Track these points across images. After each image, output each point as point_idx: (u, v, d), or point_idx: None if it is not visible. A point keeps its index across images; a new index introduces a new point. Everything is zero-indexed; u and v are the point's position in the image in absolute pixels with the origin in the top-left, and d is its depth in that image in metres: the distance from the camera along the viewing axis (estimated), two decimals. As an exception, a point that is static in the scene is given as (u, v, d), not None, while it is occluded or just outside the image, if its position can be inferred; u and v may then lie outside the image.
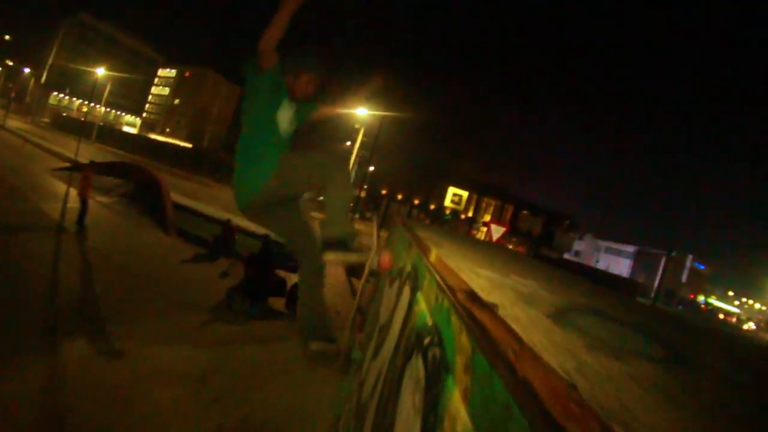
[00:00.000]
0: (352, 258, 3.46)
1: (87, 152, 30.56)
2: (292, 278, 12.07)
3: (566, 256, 77.17)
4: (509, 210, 75.94)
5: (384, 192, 77.06)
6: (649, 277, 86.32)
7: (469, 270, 1.60)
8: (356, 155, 41.23)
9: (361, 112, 35.62)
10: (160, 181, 20.25)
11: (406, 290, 1.83)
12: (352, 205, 3.85)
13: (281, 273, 12.55)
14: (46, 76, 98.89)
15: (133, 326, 8.47)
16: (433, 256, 1.56)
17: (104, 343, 7.42)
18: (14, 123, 37.42)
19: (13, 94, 79.63)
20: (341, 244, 3.45)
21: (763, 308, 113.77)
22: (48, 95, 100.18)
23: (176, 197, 21.46)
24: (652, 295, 61.29)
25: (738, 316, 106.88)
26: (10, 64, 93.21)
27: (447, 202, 75.36)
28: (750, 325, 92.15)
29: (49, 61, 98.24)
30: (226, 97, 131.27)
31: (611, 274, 78.18)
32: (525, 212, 75.37)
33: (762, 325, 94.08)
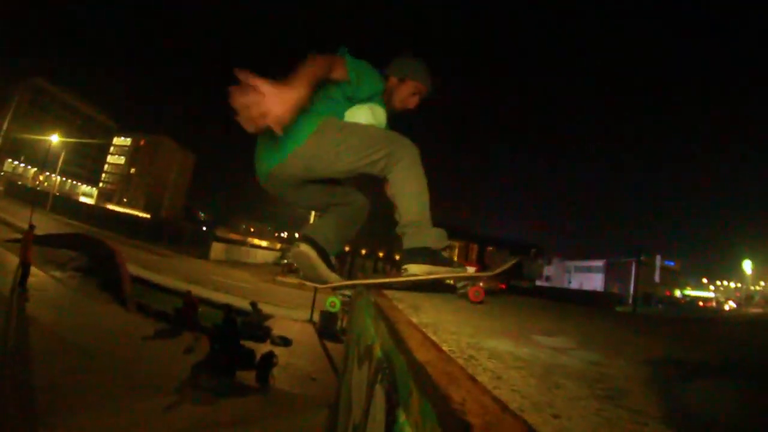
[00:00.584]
0: (441, 272, 2.71)
1: (42, 223, 29.59)
2: (261, 348, 11.70)
3: (538, 283, 78.21)
4: (474, 249, 76.27)
5: (347, 249, 76.94)
6: (624, 285, 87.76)
7: (474, 347, 1.25)
8: (314, 216, 41.36)
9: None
10: (116, 253, 19.60)
11: (379, 392, 1.33)
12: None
13: (248, 344, 12.13)
14: (0, 142, 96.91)
15: (90, 417, 7.92)
16: (414, 341, 1.17)
17: None
18: None
19: None
20: (428, 253, 2.71)
21: (739, 285, 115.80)
22: (2, 163, 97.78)
23: (135, 269, 20.92)
24: (630, 301, 62.41)
25: (716, 299, 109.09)
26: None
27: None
28: (730, 305, 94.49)
29: (3, 128, 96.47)
30: (182, 164, 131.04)
31: (586, 291, 79.57)
32: (490, 248, 76.02)
33: (742, 301, 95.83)
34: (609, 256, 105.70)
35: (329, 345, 15.67)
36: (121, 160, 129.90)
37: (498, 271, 2.83)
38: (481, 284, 2.61)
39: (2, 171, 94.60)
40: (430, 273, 2.69)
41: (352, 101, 2.82)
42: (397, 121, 3.14)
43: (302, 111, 2.46)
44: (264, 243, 61.67)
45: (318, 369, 12.92)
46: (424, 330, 1.38)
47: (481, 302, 2.50)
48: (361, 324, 2.38)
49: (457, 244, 77.95)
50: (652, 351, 1.66)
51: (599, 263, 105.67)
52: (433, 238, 2.76)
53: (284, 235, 74.31)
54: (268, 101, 2.05)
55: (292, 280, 36.01)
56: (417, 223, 2.76)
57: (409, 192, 2.76)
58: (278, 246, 63.44)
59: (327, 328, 18.14)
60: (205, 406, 9.07)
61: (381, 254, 77.11)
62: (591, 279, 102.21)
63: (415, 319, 1.59)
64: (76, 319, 13.83)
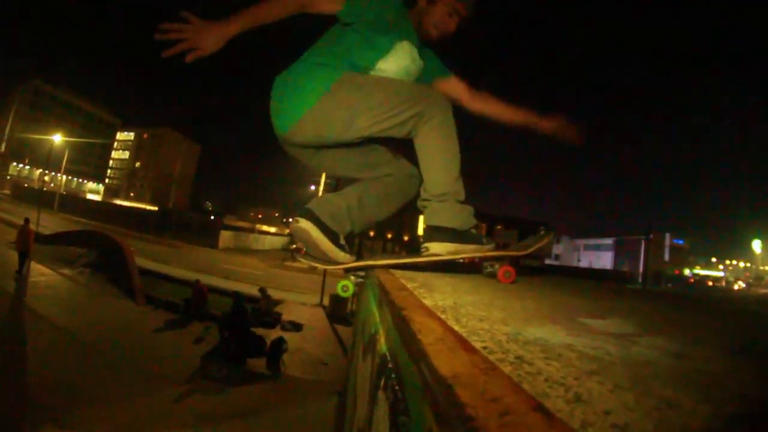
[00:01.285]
0: (468, 251, 2.35)
1: (49, 223, 29.68)
2: (272, 334, 11.46)
3: (547, 261, 78.13)
4: (483, 228, 76.15)
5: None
6: (633, 263, 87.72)
7: (516, 339, 0.92)
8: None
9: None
10: (123, 247, 19.35)
11: (383, 404, 1.03)
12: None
13: (259, 331, 11.91)
14: (4, 146, 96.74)
15: (104, 413, 7.79)
16: (431, 337, 0.83)
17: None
18: None
19: None
20: (454, 233, 2.35)
21: (748, 264, 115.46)
22: (7, 166, 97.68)
23: (143, 262, 20.79)
24: (640, 279, 62.11)
25: (725, 279, 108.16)
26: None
27: (420, 231, 75.41)
28: (740, 284, 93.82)
29: (6, 131, 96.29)
30: (187, 155, 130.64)
31: (597, 269, 79.44)
32: (499, 227, 76.06)
33: (752, 281, 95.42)
34: (618, 234, 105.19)
35: (340, 329, 15.45)
36: (126, 155, 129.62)
37: (532, 249, 2.50)
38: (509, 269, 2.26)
39: (8, 174, 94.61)
40: (455, 252, 2.35)
41: (371, 40, 2.35)
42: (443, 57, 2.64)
43: (317, 65, 2.31)
44: (272, 229, 61.45)
45: (329, 353, 12.70)
46: (442, 317, 1.02)
47: (513, 282, 2.18)
48: (366, 309, 2.06)
49: None
50: (724, 334, 1.32)
51: (608, 241, 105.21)
52: (461, 216, 2.40)
53: (290, 220, 74.67)
54: (197, 34, 2.04)
55: (300, 264, 36.13)
56: (444, 196, 2.38)
57: (440, 159, 2.35)
58: (286, 231, 63.17)
59: (337, 311, 17.87)
60: (216, 396, 8.89)
61: (389, 235, 76.66)
62: (600, 257, 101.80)
63: (429, 302, 1.25)
64: (86, 315, 13.71)
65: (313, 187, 47.47)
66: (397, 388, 0.89)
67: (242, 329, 11.12)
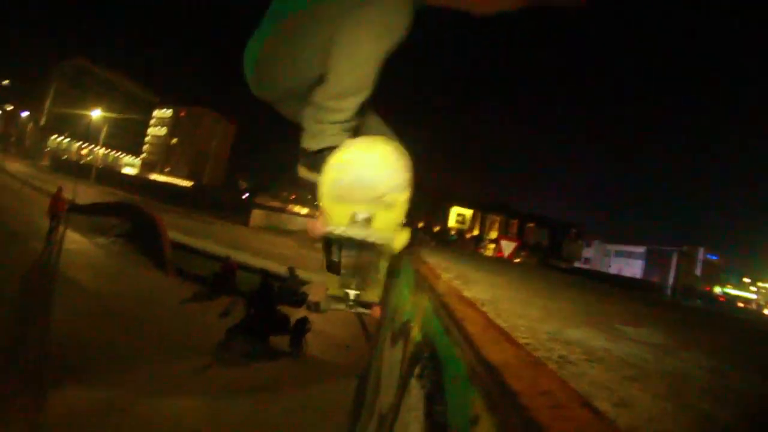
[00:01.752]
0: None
1: (86, 194, 30.26)
2: (296, 313, 11.57)
3: (577, 264, 76.84)
4: (514, 224, 75.66)
5: None
6: (663, 275, 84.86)
7: (557, 339, 0.93)
8: None
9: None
10: (157, 219, 19.78)
11: (416, 392, 1.00)
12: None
13: (284, 309, 12.03)
14: (45, 119, 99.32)
15: (126, 375, 7.99)
16: (475, 327, 0.80)
17: (95, 395, 6.89)
18: (13, 166, 37.39)
19: (12, 139, 79.77)
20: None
21: None
22: (47, 138, 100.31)
23: (176, 235, 21.16)
24: (669, 292, 60.29)
25: (756, 301, 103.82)
26: (9, 108, 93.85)
27: (451, 223, 74.82)
28: None
29: (47, 105, 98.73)
30: (222, 135, 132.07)
31: (627, 277, 77.64)
32: (530, 225, 75.17)
33: None
34: (650, 242, 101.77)
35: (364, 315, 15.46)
36: (163, 131, 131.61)
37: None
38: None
39: (47, 147, 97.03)
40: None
41: None
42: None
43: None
44: (304, 210, 61.52)
45: (352, 337, 12.76)
46: (483, 309, 1.01)
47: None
48: (398, 296, 2.01)
49: (498, 218, 77.15)
50: (761, 355, 1.30)
51: (640, 249, 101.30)
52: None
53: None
54: None
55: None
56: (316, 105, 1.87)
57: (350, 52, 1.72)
58: (318, 214, 63.49)
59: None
60: (238, 370, 9.02)
61: (420, 224, 75.93)
62: (630, 265, 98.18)
63: (468, 294, 1.18)
64: (116, 282, 14.14)
65: None
66: (432, 375, 0.90)
67: (268, 306, 11.22)
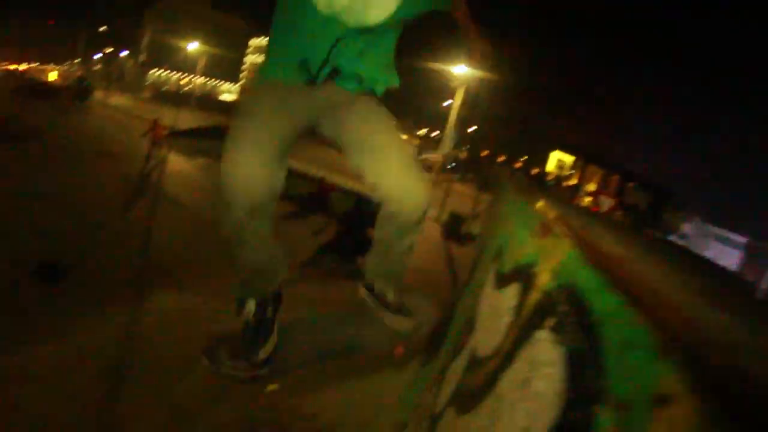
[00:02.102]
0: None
1: (186, 120, 31.65)
2: None
3: (671, 237, 71.69)
4: (614, 181, 71.78)
5: (484, 153, 75.08)
6: (761, 275, 76.80)
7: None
8: (456, 115, 39.71)
9: (460, 70, 34.10)
10: (252, 137, 20.23)
11: (546, 350, 0.94)
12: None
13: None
14: (144, 56, 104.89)
15: (218, 285, 8.33)
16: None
17: (187, 301, 7.24)
18: (116, 100, 39.79)
19: (114, 76, 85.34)
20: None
21: None
22: (146, 73, 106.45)
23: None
24: (761, 295, 55.00)
25: None
26: (109, 50, 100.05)
27: (550, 168, 72.19)
28: None
29: (145, 43, 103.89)
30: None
31: (720, 266, 71.20)
32: (631, 185, 70.71)
33: None
34: (751, 232, 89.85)
35: (452, 247, 15.41)
36: (260, 58, 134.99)
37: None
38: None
39: (147, 81, 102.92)
40: None
41: None
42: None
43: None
44: (403, 137, 61.66)
45: (436, 268, 12.67)
46: None
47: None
48: (512, 236, 1.89)
49: (599, 172, 72.82)
50: None
51: (741, 239, 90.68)
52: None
53: (423, 131, 73.63)
54: None
55: (426, 176, 36.27)
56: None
57: None
58: (416, 142, 63.13)
59: (454, 230, 17.80)
60: (323, 286, 9.17)
61: (518, 165, 73.37)
62: (726, 254, 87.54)
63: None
64: (214, 198, 14.62)
65: (448, 102, 46.20)
66: (579, 333, 0.82)
67: (359, 229, 11.29)
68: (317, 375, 4.49)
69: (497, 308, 1.47)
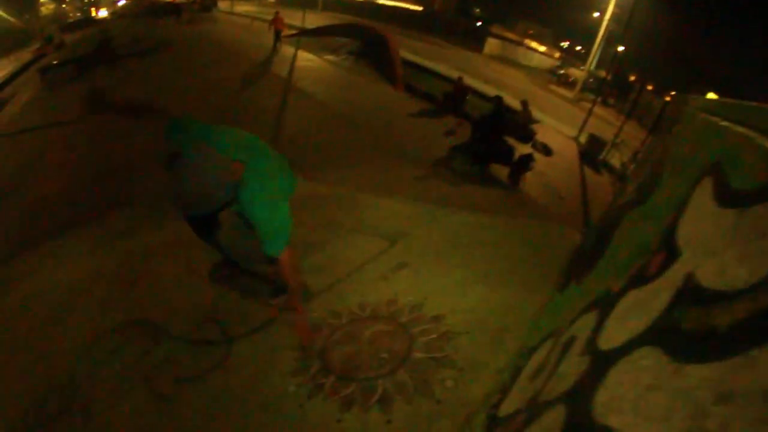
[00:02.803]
0: None
1: (314, 20, 31.98)
2: (521, 149, 11.41)
3: None
4: None
5: (633, 78, 68.44)
6: None
7: None
8: (604, 30, 36.21)
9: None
10: (387, 37, 20.41)
11: None
12: None
13: (510, 141, 11.91)
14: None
15: (347, 174, 8.75)
16: None
17: (315, 188, 7.71)
18: (242, 8, 41.38)
19: None
20: None
21: None
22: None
23: (405, 55, 21.70)
24: None
25: None
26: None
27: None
28: None
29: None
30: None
31: None
32: None
33: None
34: None
35: (587, 172, 14.79)
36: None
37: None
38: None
39: None
40: None
41: None
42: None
43: None
44: (541, 48, 58.08)
45: (569, 190, 12.31)
46: None
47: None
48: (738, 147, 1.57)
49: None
50: None
51: None
52: None
53: (565, 44, 68.85)
54: None
55: (566, 92, 34.05)
56: None
57: None
58: (557, 54, 59.29)
59: (592, 153, 16.95)
60: (453, 187, 9.25)
61: (668, 98, 65.66)
62: None
63: None
64: (346, 93, 15.35)
65: (597, 14, 42.16)
66: None
67: (495, 133, 11.16)
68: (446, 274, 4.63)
69: (737, 228, 1.28)
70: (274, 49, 22.18)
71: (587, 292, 2.65)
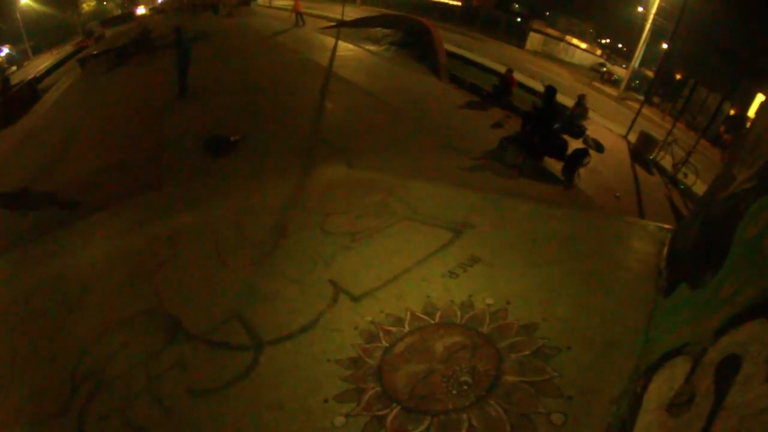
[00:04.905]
0: None
1: (354, 13, 31.88)
2: (574, 144, 10.52)
3: None
4: None
5: (678, 77, 65.30)
6: None
7: None
8: (650, 24, 34.40)
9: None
10: (430, 28, 19.72)
11: None
12: None
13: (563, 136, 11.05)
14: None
15: (390, 161, 8.41)
16: None
17: (356, 174, 7.47)
18: (280, 2, 42.07)
19: None
20: None
21: None
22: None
23: (449, 47, 21.01)
24: None
25: None
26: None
27: (751, 113, 60.96)
28: None
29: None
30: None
31: None
32: None
33: None
34: None
35: (639, 172, 13.91)
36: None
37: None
38: None
39: None
40: None
41: None
42: None
43: None
44: (583, 45, 56.78)
45: (625, 187, 11.45)
46: None
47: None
48: None
49: None
50: None
51: None
52: None
53: (606, 41, 67.24)
54: None
55: (610, 90, 33.11)
56: None
57: None
58: (598, 51, 57.82)
59: (644, 151, 16.00)
60: (507, 178, 8.64)
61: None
62: None
63: None
64: (389, 82, 14.85)
65: (640, 9, 40.17)
66: None
67: (548, 126, 10.32)
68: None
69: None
70: (298, 24, 26.56)
71: (720, 297, 2.19)
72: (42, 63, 31.03)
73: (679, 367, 2.02)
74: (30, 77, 23.31)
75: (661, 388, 2.08)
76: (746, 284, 1.97)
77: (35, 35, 41.06)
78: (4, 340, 4.26)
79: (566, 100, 16.15)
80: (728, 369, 1.59)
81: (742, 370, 1.52)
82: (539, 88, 16.88)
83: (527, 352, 2.77)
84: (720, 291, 2.23)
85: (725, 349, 1.74)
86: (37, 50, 39.60)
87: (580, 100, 14.40)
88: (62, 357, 3.74)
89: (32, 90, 20.18)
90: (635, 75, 35.98)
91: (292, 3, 27.96)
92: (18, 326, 4.44)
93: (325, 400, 2.63)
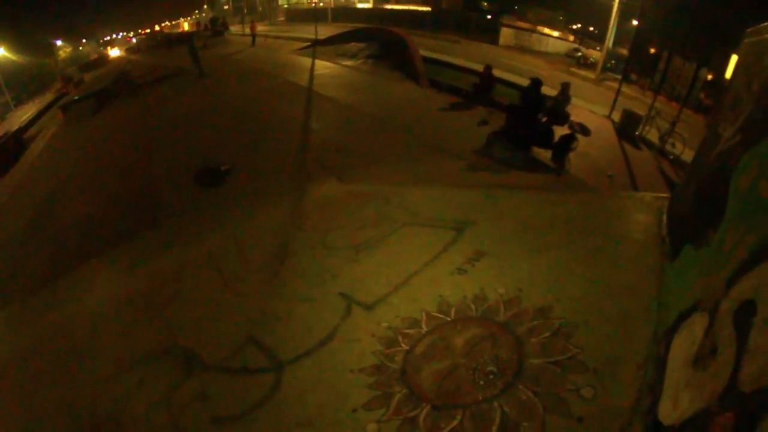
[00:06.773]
0: None
1: (326, 31, 32.14)
2: (559, 131, 10.59)
3: None
4: None
5: (652, 51, 65.81)
6: None
7: None
8: (618, 3, 34.89)
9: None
10: (404, 37, 20.01)
11: None
12: None
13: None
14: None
15: (380, 171, 8.47)
16: None
17: (348, 187, 7.45)
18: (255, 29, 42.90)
19: (245, 10, 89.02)
20: None
21: None
22: (277, 0, 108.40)
23: (424, 52, 21.15)
24: None
25: None
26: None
27: (728, 75, 61.66)
28: None
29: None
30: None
31: None
32: None
33: None
34: None
35: (628, 149, 14.05)
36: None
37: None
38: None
39: (279, 5, 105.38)
40: None
41: None
42: None
43: None
44: (555, 33, 57.14)
45: (614, 168, 11.55)
46: None
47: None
48: None
49: None
50: None
51: None
52: None
53: (577, 26, 67.77)
54: None
55: (587, 73, 33.37)
56: None
57: None
58: (571, 38, 58.16)
59: (628, 129, 16.17)
60: (497, 174, 8.68)
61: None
62: None
63: None
64: (370, 94, 14.99)
65: None
66: None
67: (532, 116, 10.39)
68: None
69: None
70: (253, 44, 30.62)
71: (725, 250, 2.25)
72: (25, 113, 31.48)
73: (698, 324, 2.08)
74: (14, 128, 23.69)
75: (683, 346, 2.13)
76: (747, 232, 2.05)
77: (15, 87, 42.01)
78: (17, 394, 4.20)
79: (548, 90, 16.34)
80: (746, 314, 1.64)
81: (758, 313, 1.58)
82: (520, 81, 17.01)
83: (547, 334, 2.81)
84: (724, 245, 2.30)
85: (739, 296, 1.79)
86: (18, 101, 40.04)
87: (564, 89, 14.55)
88: (78, 403, 3.69)
89: (18, 141, 20.35)
90: (610, 55, 36.34)
91: (266, 30, 28.98)
92: (29, 378, 4.39)
93: (354, 410, 2.63)
